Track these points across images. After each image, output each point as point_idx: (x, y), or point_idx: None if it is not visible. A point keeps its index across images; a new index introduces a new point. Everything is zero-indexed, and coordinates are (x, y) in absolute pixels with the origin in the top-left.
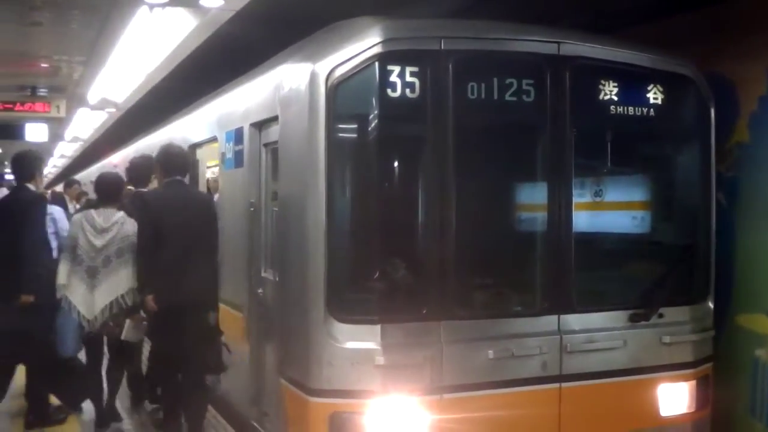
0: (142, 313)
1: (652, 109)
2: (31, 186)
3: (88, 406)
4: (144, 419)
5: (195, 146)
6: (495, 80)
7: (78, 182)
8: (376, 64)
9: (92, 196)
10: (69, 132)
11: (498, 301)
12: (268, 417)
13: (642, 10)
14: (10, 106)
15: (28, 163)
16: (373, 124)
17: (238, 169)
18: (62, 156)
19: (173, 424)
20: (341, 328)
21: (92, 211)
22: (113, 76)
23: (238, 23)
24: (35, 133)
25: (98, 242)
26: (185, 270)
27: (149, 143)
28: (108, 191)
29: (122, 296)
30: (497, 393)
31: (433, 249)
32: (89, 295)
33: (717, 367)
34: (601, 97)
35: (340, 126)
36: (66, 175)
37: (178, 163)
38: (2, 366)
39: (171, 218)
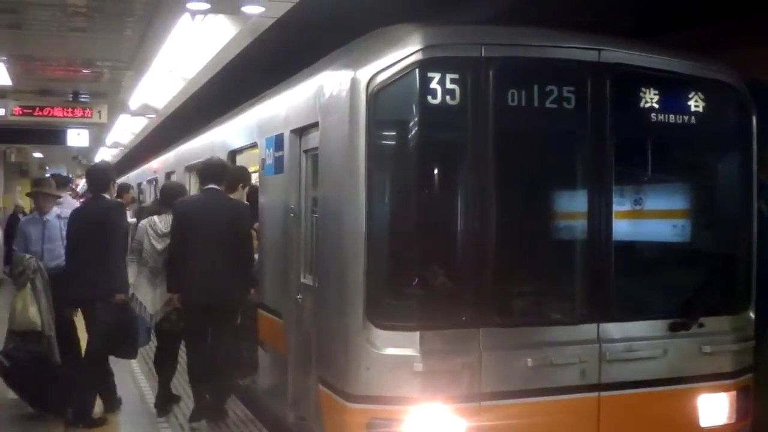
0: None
1: (692, 117)
2: (106, 195)
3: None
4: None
5: (235, 152)
6: (535, 87)
7: (131, 187)
8: (417, 71)
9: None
10: (110, 137)
11: (537, 308)
12: (306, 422)
13: (683, 17)
14: (52, 111)
15: (102, 174)
16: (413, 131)
17: (278, 175)
18: (103, 161)
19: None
20: (380, 335)
21: (155, 218)
22: (155, 82)
23: (279, 30)
24: (77, 138)
25: (159, 246)
26: (212, 272)
27: (189, 149)
28: (170, 199)
29: None
30: (535, 401)
31: (473, 256)
32: (153, 293)
33: (757, 378)
34: (641, 104)
35: (381, 133)
36: None
37: (215, 172)
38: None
39: (200, 224)
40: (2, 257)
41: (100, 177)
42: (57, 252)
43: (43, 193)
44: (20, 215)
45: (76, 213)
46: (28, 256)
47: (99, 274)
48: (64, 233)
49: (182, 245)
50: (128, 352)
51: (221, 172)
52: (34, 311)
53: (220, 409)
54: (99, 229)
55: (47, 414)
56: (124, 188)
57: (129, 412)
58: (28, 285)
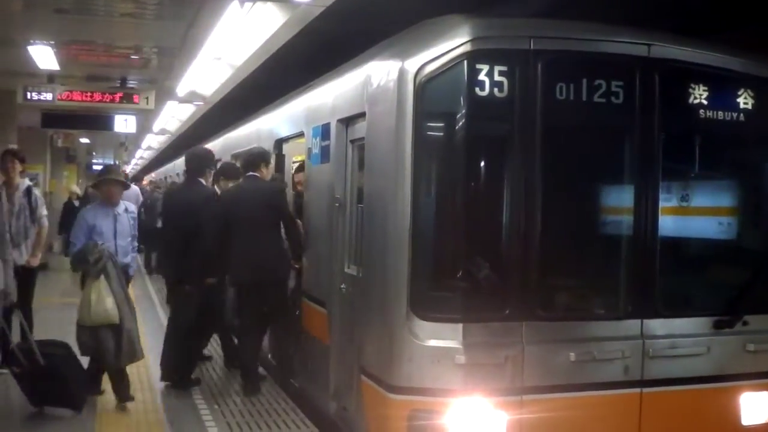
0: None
1: (741, 114)
2: (201, 180)
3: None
4: None
5: (281, 141)
6: (584, 81)
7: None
8: (465, 62)
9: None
10: (157, 124)
11: (581, 303)
12: (348, 412)
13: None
14: (100, 97)
15: (201, 160)
16: (460, 123)
17: (324, 165)
18: (149, 148)
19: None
20: (423, 326)
21: None
22: (202, 69)
23: (328, 19)
24: (124, 124)
25: None
26: (258, 251)
27: (236, 137)
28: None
29: None
30: (578, 396)
31: (517, 249)
32: None
33: None
34: (690, 100)
35: (428, 123)
36: (151, 167)
37: (254, 162)
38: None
39: (245, 208)
40: (62, 244)
41: (196, 162)
42: (128, 248)
43: (114, 181)
44: (75, 202)
45: (165, 196)
46: (100, 242)
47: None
48: (132, 228)
49: (229, 228)
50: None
51: (259, 159)
52: (111, 303)
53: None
54: (192, 214)
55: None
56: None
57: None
58: (102, 275)
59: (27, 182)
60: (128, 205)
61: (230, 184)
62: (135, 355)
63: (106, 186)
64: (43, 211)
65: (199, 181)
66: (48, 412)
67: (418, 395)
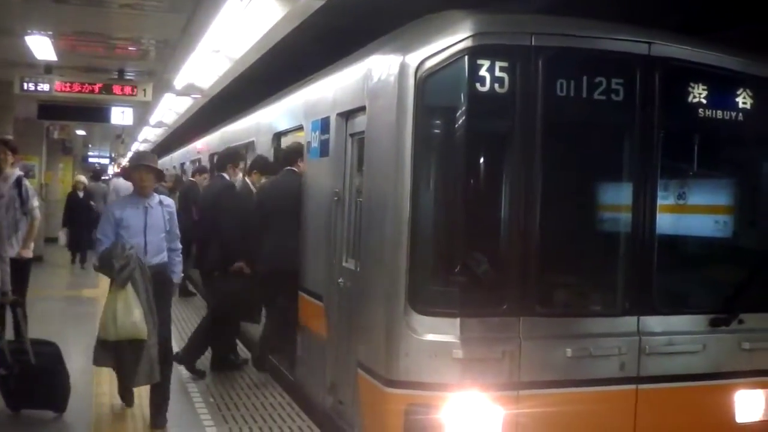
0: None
1: (740, 114)
2: (224, 174)
3: None
4: None
5: (280, 134)
6: (584, 78)
7: (206, 169)
8: (466, 57)
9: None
10: (154, 117)
11: (578, 299)
12: (344, 406)
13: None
14: (97, 88)
15: (222, 158)
16: (460, 118)
17: (323, 159)
18: (145, 140)
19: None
20: (421, 320)
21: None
22: (201, 62)
23: (328, 13)
24: (121, 116)
25: None
26: (283, 240)
27: (234, 130)
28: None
29: None
30: (574, 391)
31: (516, 245)
32: None
33: None
34: (689, 99)
35: (428, 118)
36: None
37: (290, 157)
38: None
39: (271, 202)
40: (66, 241)
41: (219, 160)
42: (161, 246)
43: (146, 167)
44: (80, 192)
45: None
46: (128, 246)
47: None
48: (167, 223)
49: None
50: None
51: (295, 156)
52: (139, 315)
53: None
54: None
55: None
56: (201, 169)
57: None
58: (129, 283)
59: (17, 173)
60: (164, 198)
61: (263, 179)
62: (153, 376)
63: (138, 173)
64: (35, 203)
65: (221, 175)
66: (33, 415)
67: (415, 389)
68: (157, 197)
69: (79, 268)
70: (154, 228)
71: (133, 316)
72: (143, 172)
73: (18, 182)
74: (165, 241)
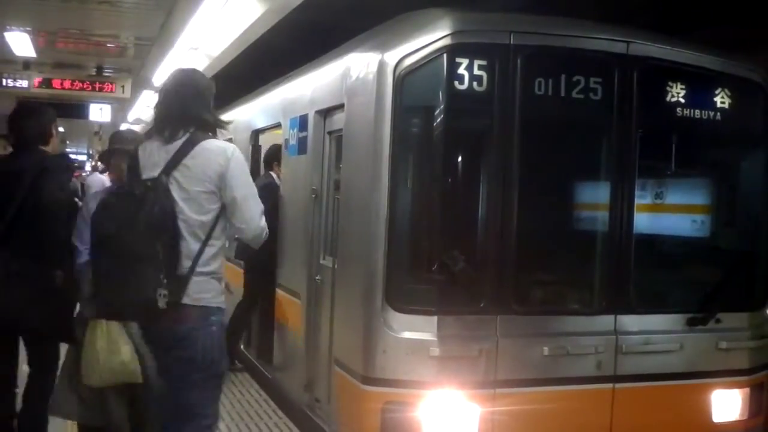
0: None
1: (718, 113)
2: (271, 173)
3: None
4: None
5: (258, 132)
6: (562, 77)
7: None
8: (445, 55)
9: None
10: (132, 113)
11: (555, 298)
12: (320, 404)
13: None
14: (76, 84)
15: (266, 156)
16: (439, 116)
17: (301, 156)
18: None
19: None
20: (398, 318)
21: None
22: (179, 59)
23: (307, 10)
24: (99, 113)
25: None
26: None
27: None
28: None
29: None
30: (550, 390)
31: (493, 243)
32: None
33: None
34: (667, 98)
35: (406, 116)
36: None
37: (268, 160)
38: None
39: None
40: None
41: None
42: None
43: (126, 152)
44: None
45: None
46: None
47: None
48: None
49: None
50: None
51: None
52: (129, 352)
53: None
54: None
55: None
56: None
57: None
58: None
59: None
60: None
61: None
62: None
63: (116, 159)
64: None
65: (268, 173)
66: None
67: (392, 387)
68: None
69: None
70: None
71: (122, 353)
72: (121, 158)
73: None
74: None
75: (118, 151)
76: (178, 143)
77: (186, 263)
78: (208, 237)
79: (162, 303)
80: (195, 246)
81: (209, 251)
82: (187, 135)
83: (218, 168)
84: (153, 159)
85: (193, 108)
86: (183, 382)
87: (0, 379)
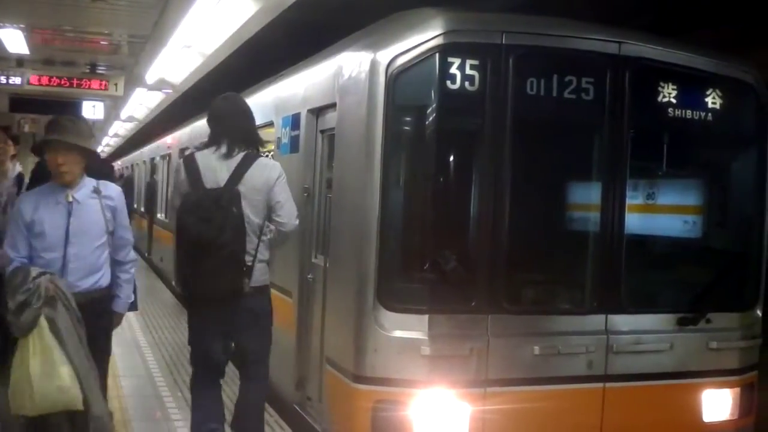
0: None
1: (710, 114)
2: None
3: None
4: None
5: None
6: (554, 77)
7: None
8: (437, 55)
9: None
10: (125, 111)
11: (547, 297)
12: (311, 402)
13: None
14: (69, 82)
15: None
16: (431, 116)
17: (294, 155)
18: (116, 135)
19: None
20: (389, 317)
21: None
22: (172, 57)
23: (301, 9)
24: (92, 110)
25: None
26: None
27: (204, 125)
28: None
29: None
30: (541, 389)
31: (485, 242)
32: None
33: (762, 375)
34: (659, 99)
35: (398, 115)
36: (119, 154)
37: None
38: None
39: None
40: None
41: None
42: (96, 262)
43: (63, 145)
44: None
45: None
46: (34, 271)
47: None
48: (109, 224)
49: None
50: None
51: None
52: (68, 374)
53: None
54: None
55: None
56: None
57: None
58: (44, 325)
59: (18, 168)
60: (105, 185)
61: None
62: None
63: (52, 152)
64: None
65: None
66: None
67: (383, 386)
68: (89, 184)
69: None
70: (83, 233)
71: (59, 377)
72: (60, 151)
73: (19, 179)
74: (104, 253)
75: (54, 143)
76: (237, 159)
77: (249, 257)
78: (262, 234)
79: (247, 288)
80: (255, 242)
81: (262, 246)
82: (244, 152)
83: (271, 181)
84: (215, 170)
85: (244, 129)
86: (249, 332)
87: None
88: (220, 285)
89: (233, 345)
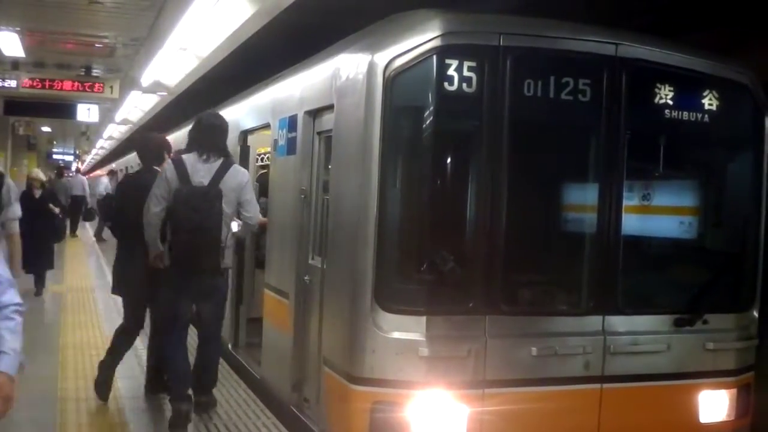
0: None
1: (706, 115)
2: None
3: None
4: None
5: (246, 132)
6: (551, 78)
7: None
8: (435, 57)
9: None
10: (120, 114)
11: (544, 298)
12: (309, 404)
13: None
14: (64, 85)
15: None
16: (428, 117)
17: (290, 157)
18: (110, 138)
19: None
20: (387, 318)
21: None
22: (168, 60)
23: (297, 11)
24: (87, 113)
25: None
26: None
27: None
28: None
29: None
30: (539, 390)
31: (482, 244)
32: None
33: (759, 376)
34: (656, 100)
35: (396, 117)
36: (111, 158)
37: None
38: None
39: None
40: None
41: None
42: None
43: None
44: (37, 192)
45: None
46: None
47: None
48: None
49: None
50: None
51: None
52: None
53: None
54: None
55: None
56: None
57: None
58: None
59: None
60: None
61: None
62: None
63: None
64: (17, 210)
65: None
66: None
67: (381, 387)
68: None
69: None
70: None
71: None
72: None
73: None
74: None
75: None
76: (216, 164)
77: (222, 242)
78: (230, 224)
79: (224, 265)
80: (226, 230)
81: (230, 234)
82: (222, 159)
83: (242, 184)
84: (199, 171)
85: (222, 142)
86: (210, 301)
87: None
88: (203, 262)
89: (194, 310)
